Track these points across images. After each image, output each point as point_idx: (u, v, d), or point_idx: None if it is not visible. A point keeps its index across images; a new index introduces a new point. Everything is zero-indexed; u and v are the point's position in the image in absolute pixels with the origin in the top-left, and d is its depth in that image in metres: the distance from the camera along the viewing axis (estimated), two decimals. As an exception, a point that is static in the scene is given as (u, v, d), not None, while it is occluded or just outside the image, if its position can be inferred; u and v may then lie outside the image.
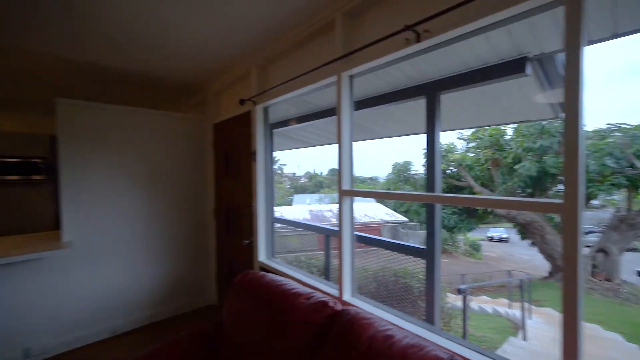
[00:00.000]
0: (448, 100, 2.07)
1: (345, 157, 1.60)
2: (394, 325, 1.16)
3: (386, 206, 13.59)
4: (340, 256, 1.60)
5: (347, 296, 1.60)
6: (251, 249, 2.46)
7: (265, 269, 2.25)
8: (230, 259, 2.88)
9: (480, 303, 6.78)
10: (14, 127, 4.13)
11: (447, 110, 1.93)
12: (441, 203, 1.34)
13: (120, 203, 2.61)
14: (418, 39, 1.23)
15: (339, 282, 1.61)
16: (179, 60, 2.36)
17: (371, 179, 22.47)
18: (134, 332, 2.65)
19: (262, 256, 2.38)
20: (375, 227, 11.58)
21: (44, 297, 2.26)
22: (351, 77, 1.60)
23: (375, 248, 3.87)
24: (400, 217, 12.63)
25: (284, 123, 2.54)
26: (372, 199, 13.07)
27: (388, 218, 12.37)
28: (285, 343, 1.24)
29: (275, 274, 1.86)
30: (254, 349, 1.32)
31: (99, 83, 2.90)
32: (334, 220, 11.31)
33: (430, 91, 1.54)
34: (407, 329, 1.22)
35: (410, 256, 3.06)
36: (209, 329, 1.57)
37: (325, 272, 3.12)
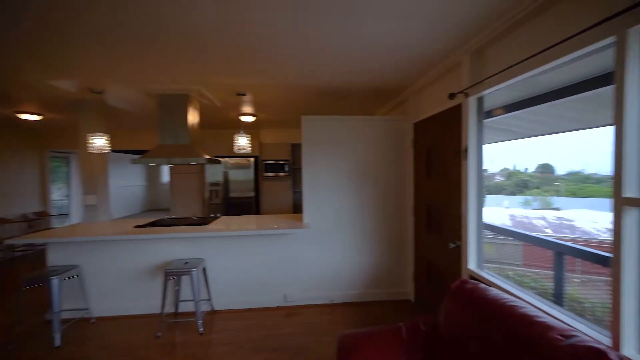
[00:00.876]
0: None
1: (630, 147, 1.12)
2: None
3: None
4: (616, 291, 1.15)
5: (629, 350, 1.12)
6: (457, 253, 2.28)
7: (477, 279, 2.02)
8: (429, 259, 2.82)
9: None
10: (272, 139, 5.96)
11: None
12: None
13: (338, 196, 3.18)
14: None
15: (613, 326, 1.16)
16: (388, 69, 2.54)
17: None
18: (345, 305, 3.16)
19: (472, 264, 2.15)
20: None
21: (292, 261, 3.12)
22: (645, 33, 1.09)
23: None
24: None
25: (488, 114, 2.15)
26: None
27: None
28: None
29: (489, 285, 1.61)
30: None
31: (323, 98, 3.66)
32: (549, 232, 8.67)
33: None
34: None
35: None
36: (425, 327, 1.58)
37: (557, 299, 2.41)
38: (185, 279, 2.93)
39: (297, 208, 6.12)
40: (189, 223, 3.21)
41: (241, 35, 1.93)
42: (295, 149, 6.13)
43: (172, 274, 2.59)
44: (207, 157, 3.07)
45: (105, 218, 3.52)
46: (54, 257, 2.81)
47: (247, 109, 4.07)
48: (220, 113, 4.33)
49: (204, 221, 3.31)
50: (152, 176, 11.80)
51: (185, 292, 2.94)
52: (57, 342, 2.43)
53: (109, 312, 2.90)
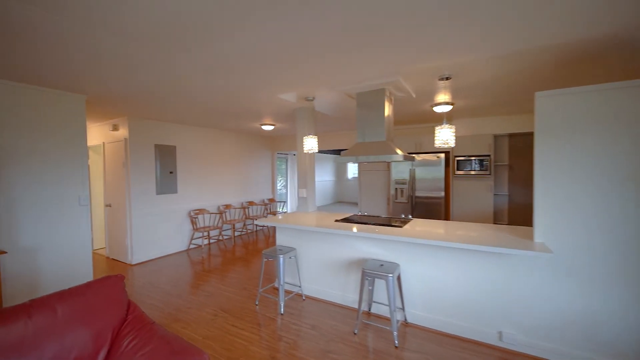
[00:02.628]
0: None
1: None
2: None
3: None
4: None
5: None
6: None
7: None
8: None
9: None
10: (466, 130, 5.04)
11: None
12: None
13: (604, 206, 2.06)
14: None
15: None
16: None
17: None
18: (610, 380, 2.02)
19: None
20: None
21: (514, 292, 2.32)
22: None
23: None
24: None
25: None
26: None
27: None
28: None
29: None
30: None
31: (563, 66, 2.53)
32: None
33: None
34: None
35: None
36: None
37: None
38: (379, 282, 2.84)
39: (497, 215, 4.89)
40: (381, 223, 3.10)
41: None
42: (499, 141, 4.89)
43: (369, 274, 2.52)
44: (402, 153, 2.82)
45: (312, 209, 4.07)
46: (281, 238, 3.48)
47: (445, 97, 3.52)
48: (411, 106, 4.02)
49: (397, 222, 3.11)
50: (340, 173, 13.48)
51: (379, 293, 2.85)
52: (281, 309, 2.95)
53: (315, 294, 3.28)
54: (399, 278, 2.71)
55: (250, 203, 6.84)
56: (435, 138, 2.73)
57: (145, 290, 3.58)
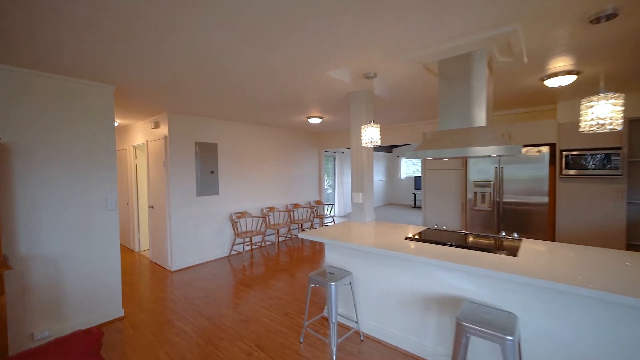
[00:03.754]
0: None
1: None
2: None
3: None
4: None
5: None
6: None
7: None
8: None
9: None
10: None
11: None
12: None
13: None
14: None
15: None
16: None
17: None
18: None
19: None
20: None
21: None
22: None
23: None
24: None
25: None
26: None
27: None
28: None
29: None
30: None
31: None
32: None
33: None
34: None
35: None
36: None
37: None
38: (481, 342, 1.91)
39: (633, 232, 3.51)
40: (479, 246, 2.16)
41: None
42: (636, 128, 3.51)
43: (471, 331, 1.63)
44: (516, 145, 1.85)
45: (370, 218, 3.25)
46: (332, 256, 2.73)
47: (571, 61, 2.41)
48: (509, 81, 2.95)
49: (501, 244, 2.14)
50: (391, 172, 12.30)
51: (479, 355, 1.93)
52: (333, 355, 2.19)
53: (377, 333, 2.46)
54: (519, 342, 1.76)
55: (296, 205, 6.25)
56: (583, 118, 1.68)
57: (178, 307, 3.13)
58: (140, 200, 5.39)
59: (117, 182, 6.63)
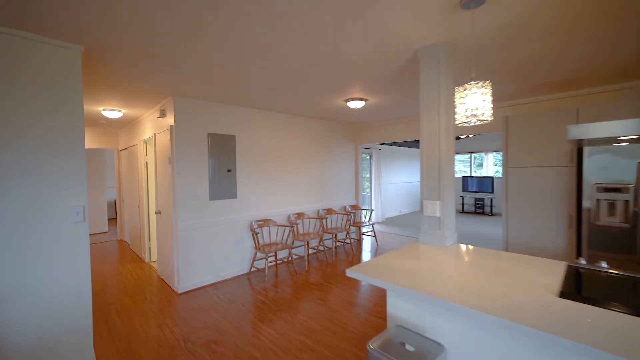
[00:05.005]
0: None
1: None
2: None
3: None
4: None
5: None
6: None
7: None
8: None
9: None
10: None
11: None
12: None
13: None
14: None
15: None
16: None
17: None
18: None
19: None
20: None
21: None
22: None
23: None
24: None
25: None
26: None
27: None
28: None
29: None
30: None
31: None
32: None
33: None
34: None
35: None
36: None
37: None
38: None
39: None
40: None
41: None
42: None
43: None
44: None
45: (452, 240, 2.13)
46: (398, 304, 1.66)
47: None
48: None
49: None
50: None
51: None
52: None
53: None
54: None
55: (328, 211, 5.23)
56: None
57: (173, 357, 2.24)
58: (150, 203, 4.67)
59: (129, 181, 5.97)
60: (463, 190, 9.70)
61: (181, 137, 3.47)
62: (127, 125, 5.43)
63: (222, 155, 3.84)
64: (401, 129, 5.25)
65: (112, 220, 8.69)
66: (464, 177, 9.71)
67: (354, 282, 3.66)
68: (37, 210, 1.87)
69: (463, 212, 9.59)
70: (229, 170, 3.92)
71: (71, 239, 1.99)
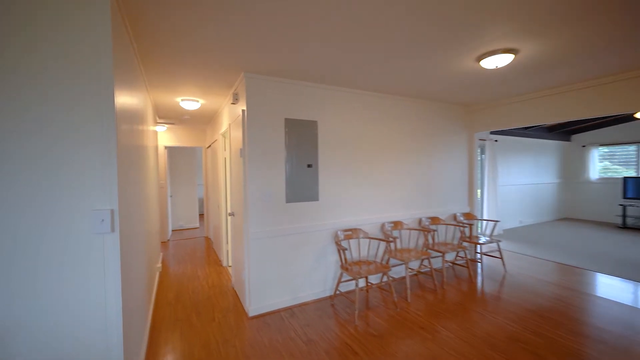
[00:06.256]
0: None
1: None
2: None
3: None
4: None
5: None
6: None
7: None
8: None
9: None
10: None
11: None
12: None
13: None
14: None
15: None
16: None
17: None
18: None
19: None
20: None
21: None
22: None
23: None
24: None
25: None
26: None
27: None
28: None
29: None
30: None
31: None
32: None
33: None
34: None
35: None
36: None
37: None
38: None
39: None
40: None
41: None
42: None
43: None
44: None
45: None
46: None
47: None
48: None
49: None
50: (570, 168, 8.01)
51: None
52: None
53: None
54: None
55: (434, 220, 3.96)
56: None
57: None
58: (228, 202, 4.30)
59: (212, 178, 5.87)
60: (624, 197, 6.85)
61: (253, 124, 2.82)
62: (211, 121, 5.28)
63: (301, 146, 3.07)
64: (552, 103, 3.57)
65: (202, 216, 9.19)
66: (625, 179, 6.87)
67: (477, 323, 2.36)
68: (52, 217, 1.34)
69: (625, 227, 6.76)
70: (309, 166, 3.12)
71: (92, 254, 1.41)
